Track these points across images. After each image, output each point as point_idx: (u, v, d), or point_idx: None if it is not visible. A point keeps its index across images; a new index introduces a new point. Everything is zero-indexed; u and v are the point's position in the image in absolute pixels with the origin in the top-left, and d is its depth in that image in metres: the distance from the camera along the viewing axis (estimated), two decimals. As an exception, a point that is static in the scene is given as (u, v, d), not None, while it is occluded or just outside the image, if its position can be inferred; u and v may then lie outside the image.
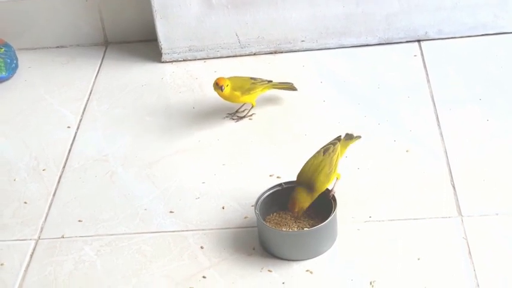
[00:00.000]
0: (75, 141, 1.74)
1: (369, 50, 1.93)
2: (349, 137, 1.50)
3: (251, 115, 1.70)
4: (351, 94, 1.79)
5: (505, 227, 1.40)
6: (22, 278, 1.41)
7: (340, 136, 1.47)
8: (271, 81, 1.73)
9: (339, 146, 1.44)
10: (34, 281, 1.41)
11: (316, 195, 1.40)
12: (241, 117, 1.68)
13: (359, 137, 1.52)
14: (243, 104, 1.73)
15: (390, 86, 1.80)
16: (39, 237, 1.50)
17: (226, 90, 1.66)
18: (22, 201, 1.58)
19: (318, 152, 1.43)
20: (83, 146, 1.72)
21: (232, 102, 1.72)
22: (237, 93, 1.67)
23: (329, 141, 1.46)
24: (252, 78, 1.72)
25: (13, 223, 1.53)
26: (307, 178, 1.40)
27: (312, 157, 1.42)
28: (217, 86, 1.66)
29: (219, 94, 1.68)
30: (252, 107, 1.70)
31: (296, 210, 1.40)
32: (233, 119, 1.70)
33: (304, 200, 1.39)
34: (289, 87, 1.76)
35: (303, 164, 1.42)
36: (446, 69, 1.83)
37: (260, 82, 1.71)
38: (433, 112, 1.70)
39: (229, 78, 1.69)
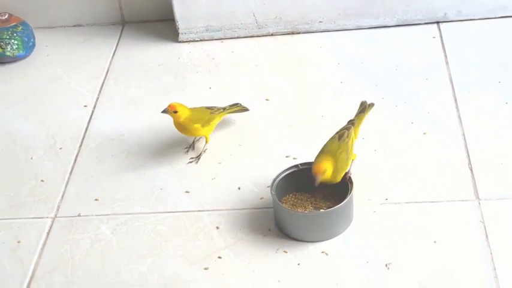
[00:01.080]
0: (92, 120, 1.75)
1: (387, 31, 1.92)
2: (362, 109, 1.49)
3: (205, 150, 1.61)
4: (369, 76, 1.78)
5: (522, 211, 1.39)
6: (39, 256, 1.42)
7: (354, 120, 1.45)
8: (225, 108, 1.63)
9: (352, 130, 1.43)
10: (50, 258, 1.41)
11: (336, 180, 1.39)
12: (198, 157, 1.61)
13: (372, 104, 1.50)
14: (199, 138, 1.63)
15: (408, 67, 1.79)
16: (56, 215, 1.51)
17: (182, 115, 1.55)
18: (39, 180, 1.59)
19: (333, 138, 1.42)
20: (99, 125, 1.73)
21: (192, 135, 1.61)
22: (197, 125, 1.57)
23: (343, 125, 1.44)
24: (208, 108, 1.61)
25: (30, 201, 1.54)
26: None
27: (327, 142, 1.41)
28: (171, 110, 1.55)
29: (177, 126, 1.58)
30: (206, 143, 1.61)
31: (320, 173, 1.35)
32: (190, 161, 1.59)
33: (329, 169, 1.36)
34: (241, 109, 1.66)
35: (320, 149, 1.41)
36: (465, 51, 1.81)
37: (217, 111, 1.61)
38: (452, 94, 1.69)
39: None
